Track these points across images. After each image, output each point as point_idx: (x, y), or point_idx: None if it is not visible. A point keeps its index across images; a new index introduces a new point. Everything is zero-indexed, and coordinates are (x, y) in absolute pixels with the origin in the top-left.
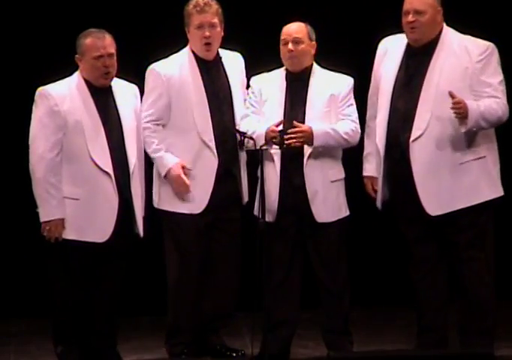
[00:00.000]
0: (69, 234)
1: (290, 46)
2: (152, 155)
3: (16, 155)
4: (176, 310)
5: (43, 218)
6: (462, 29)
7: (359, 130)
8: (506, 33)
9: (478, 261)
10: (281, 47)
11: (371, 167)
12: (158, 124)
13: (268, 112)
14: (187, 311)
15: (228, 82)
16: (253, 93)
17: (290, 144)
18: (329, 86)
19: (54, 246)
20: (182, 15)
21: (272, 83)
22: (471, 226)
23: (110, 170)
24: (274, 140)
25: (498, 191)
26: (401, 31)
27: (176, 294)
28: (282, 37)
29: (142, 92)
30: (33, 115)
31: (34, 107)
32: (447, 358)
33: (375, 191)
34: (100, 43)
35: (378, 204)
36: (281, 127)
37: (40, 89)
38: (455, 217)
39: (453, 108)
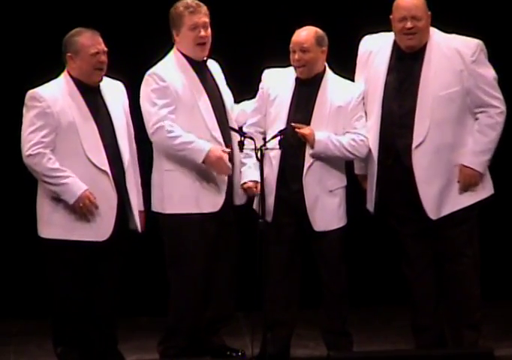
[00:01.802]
0: (69, 235)
1: (296, 56)
2: (183, 145)
3: (13, 155)
4: (180, 314)
5: (71, 201)
6: (446, 28)
7: (368, 143)
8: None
9: (468, 257)
10: (291, 54)
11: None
12: (172, 119)
13: (273, 113)
14: (191, 315)
15: (215, 80)
16: (262, 88)
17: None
18: (338, 97)
19: (54, 246)
20: (165, 17)
21: (283, 82)
22: (464, 221)
23: (107, 168)
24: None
25: (491, 189)
26: (384, 30)
27: (182, 298)
28: (290, 46)
29: (134, 92)
30: (24, 118)
31: (24, 110)
32: (446, 357)
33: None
34: (96, 40)
35: (369, 207)
36: (282, 127)
37: (31, 92)
38: (451, 213)
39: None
